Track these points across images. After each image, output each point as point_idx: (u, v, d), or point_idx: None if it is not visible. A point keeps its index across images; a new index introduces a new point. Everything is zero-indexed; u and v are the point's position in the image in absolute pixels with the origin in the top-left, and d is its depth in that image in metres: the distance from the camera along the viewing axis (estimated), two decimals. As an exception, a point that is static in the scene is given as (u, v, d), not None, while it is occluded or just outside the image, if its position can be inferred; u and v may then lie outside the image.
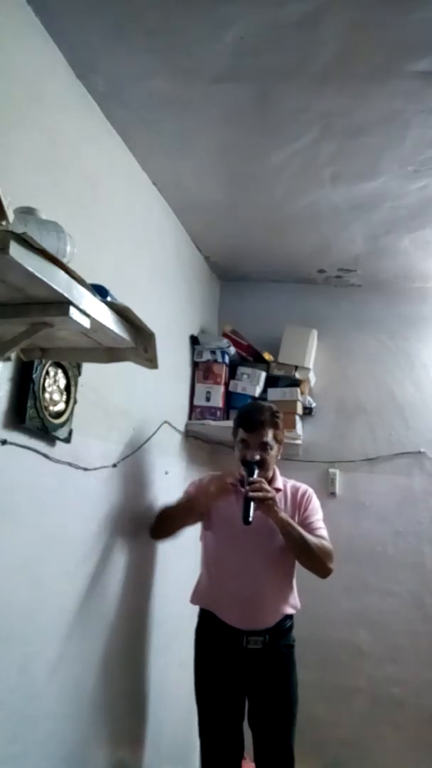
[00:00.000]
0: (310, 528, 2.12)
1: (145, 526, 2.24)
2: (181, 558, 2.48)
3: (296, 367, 2.99)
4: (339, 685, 2.75)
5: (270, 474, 2.19)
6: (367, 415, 3.06)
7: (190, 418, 2.79)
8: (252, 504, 1.95)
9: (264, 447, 2.12)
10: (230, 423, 2.76)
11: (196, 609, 2.26)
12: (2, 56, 1.41)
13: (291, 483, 2.28)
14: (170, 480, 2.51)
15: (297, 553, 2.10)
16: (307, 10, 1.46)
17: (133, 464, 2.15)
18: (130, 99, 1.84)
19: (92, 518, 1.88)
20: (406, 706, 2.74)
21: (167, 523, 2.21)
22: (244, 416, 2.21)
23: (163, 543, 2.31)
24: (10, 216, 0.97)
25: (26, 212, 1.18)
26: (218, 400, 2.82)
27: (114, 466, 2.00)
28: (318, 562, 2.07)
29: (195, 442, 2.84)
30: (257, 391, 2.91)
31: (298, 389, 2.95)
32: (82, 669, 1.80)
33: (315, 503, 2.23)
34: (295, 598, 2.20)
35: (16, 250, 0.89)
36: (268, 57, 1.63)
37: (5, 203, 0.93)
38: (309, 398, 3.05)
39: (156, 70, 1.71)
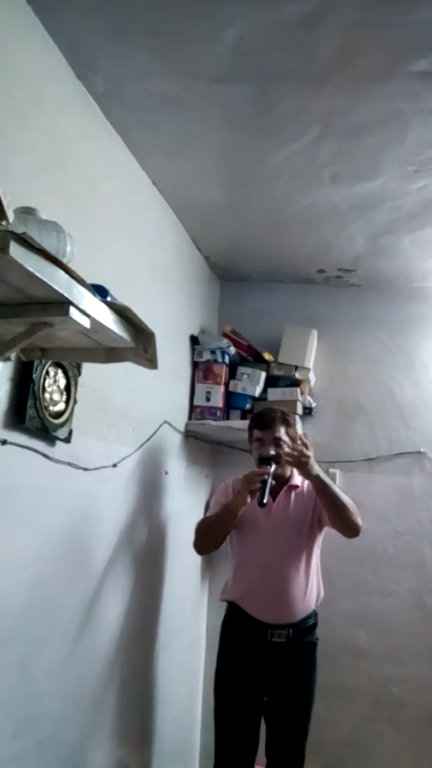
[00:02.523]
0: None
1: (146, 526, 2.24)
2: (182, 557, 2.48)
3: (296, 367, 2.99)
4: (339, 685, 2.75)
5: (288, 472, 2.27)
6: (367, 415, 3.06)
7: (190, 418, 2.79)
8: (268, 487, 2.02)
9: (278, 443, 2.20)
10: (231, 423, 2.78)
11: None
12: (2, 56, 1.41)
13: (308, 481, 2.31)
14: (170, 480, 2.51)
15: (331, 508, 2.13)
16: (307, 10, 1.46)
17: (133, 464, 2.15)
18: (130, 99, 1.84)
19: (92, 518, 1.88)
20: (406, 706, 2.74)
21: (215, 534, 2.24)
22: (256, 417, 2.32)
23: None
24: (10, 216, 0.97)
25: (26, 212, 1.18)
26: (218, 400, 2.82)
27: (114, 466, 2.00)
28: (350, 517, 2.12)
29: (195, 442, 2.84)
30: (257, 391, 2.91)
31: (298, 389, 2.95)
32: (82, 669, 1.80)
33: None
34: (320, 591, 2.25)
35: (16, 250, 0.89)
36: (268, 57, 1.62)
37: (5, 203, 0.93)
38: (309, 398, 3.05)
39: (156, 70, 1.71)
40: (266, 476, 2.05)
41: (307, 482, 2.29)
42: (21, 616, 1.51)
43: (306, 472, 2.08)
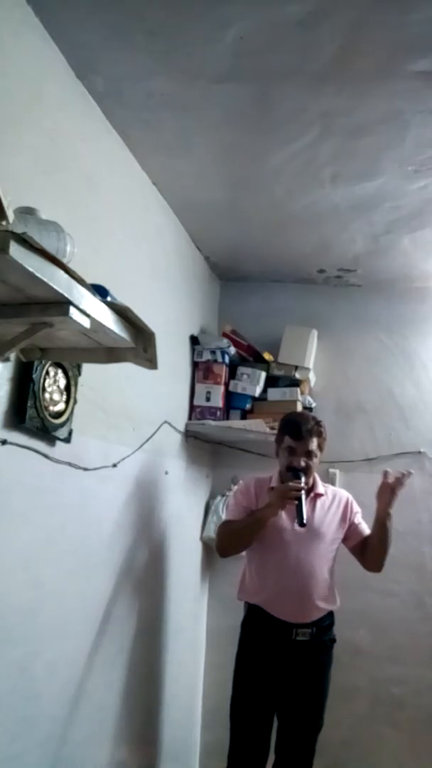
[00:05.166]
0: (363, 528, 2.32)
1: (146, 525, 2.24)
2: (182, 557, 2.48)
3: (296, 367, 2.99)
4: (339, 685, 2.73)
5: (311, 481, 2.29)
6: (367, 415, 3.06)
7: (190, 418, 2.79)
8: (305, 506, 2.08)
9: (309, 455, 2.23)
10: (230, 423, 2.78)
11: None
12: (2, 56, 1.41)
13: (331, 488, 2.40)
14: (170, 480, 2.51)
15: (380, 545, 2.26)
16: (307, 10, 1.46)
17: (133, 464, 2.15)
18: (130, 99, 1.84)
19: (92, 518, 1.88)
20: (406, 706, 2.74)
21: (242, 541, 2.25)
22: (291, 425, 2.29)
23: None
24: (10, 216, 0.97)
25: (26, 212, 1.18)
26: (218, 400, 2.82)
27: (114, 466, 2.00)
28: (386, 555, 2.27)
29: (195, 442, 2.84)
30: (257, 391, 2.91)
31: (298, 389, 2.95)
32: (82, 669, 1.80)
33: (357, 507, 2.39)
34: (335, 595, 2.30)
35: (16, 250, 0.89)
36: (268, 57, 1.62)
37: (5, 203, 0.93)
38: (309, 398, 3.04)
39: (156, 70, 1.71)
40: (301, 494, 2.09)
41: (330, 490, 2.37)
42: (21, 616, 1.51)
43: (388, 516, 2.22)
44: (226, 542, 2.28)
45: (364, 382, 3.10)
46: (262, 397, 2.93)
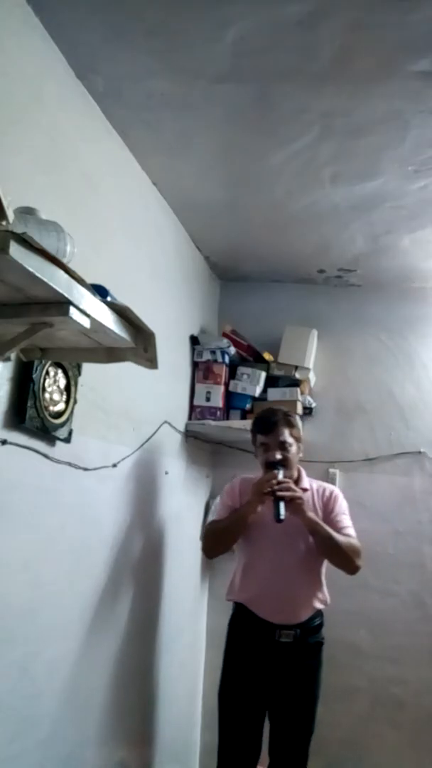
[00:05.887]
0: (338, 527, 2.18)
1: (146, 525, 2.24)
2: (182, 557, 2.48)
3: (296, 367, 2.99)
4: (339, 685, 2.75)
5: (295, 474, 2.25)
6: (367, 415, 3.06)
7: (190, 418, 2.79)
8: (282, 503, 2.01)
9: (283, 446, 2.19)
10: (231, 423, 2.78)
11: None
12: (2, 56, 1.41)
13: (318, 483, 2.35)
14: (170, 480, 2.51)
15: (325, 550, 2.15)
16: (307, 10, 1.46)
17: (133, 464, 2.15)
18: (130, 99, 1.84)
19: (92, 518, 1.88)
20: (406, 706, 2.74)
21: (224, 541, 2.24)
22: (258, 421, 2.29)
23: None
24: (10, 216, 0.97)
25: (26, 212, 1.18)
26: (218, 400, 2.82)
27: (114, 466, 2.00)
28: (346, 559, 2.13)
29: (195, 442, 2.84)
30: (257, 391, 2.91)
31: (298, 389, 2.95)
32: (82, 669, 1.80)
33: (342, 503, 2.29)
34: (324, 594, 2.24)
35: (16, 250, 0.89)
36: (268, 57, 1.62)
37: (5, 203, 0.93)
38: (309, 398, 3.05)
39: (156, 70, 1.70)
40: (277, 492, 2.03)
41: (316, 485, 2.32)
42: (21, 616, 1.51)
43: (301, 513, 2.08)
44: (210, 542, 2.26)
45: (364, 382, 3.10)
46: (262, 397, 2.93)
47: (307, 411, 3.05)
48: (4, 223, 0.93)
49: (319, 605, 2.21)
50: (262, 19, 1.50)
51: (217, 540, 2.24)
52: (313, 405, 3.06)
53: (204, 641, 2.92)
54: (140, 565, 2.23)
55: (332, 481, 2.95)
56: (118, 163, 2.07)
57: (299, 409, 2.94)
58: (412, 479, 2.96)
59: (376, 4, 1.43)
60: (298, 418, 2.27)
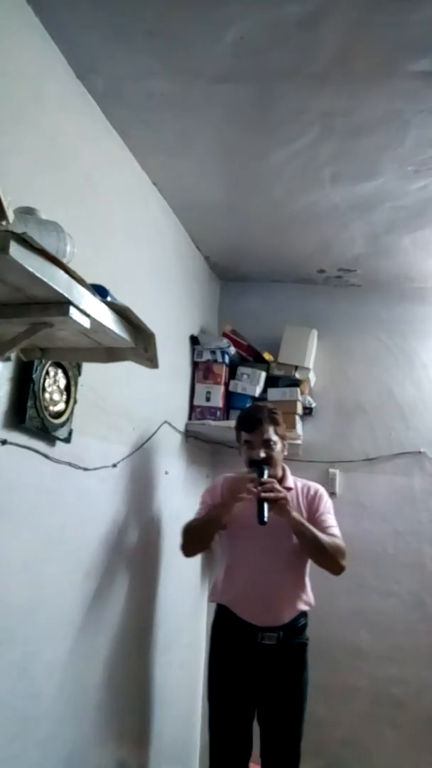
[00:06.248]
0: (322, 526, 2.15)
1: (146, 526, 2.24)
2: (182, 557, 2.48)
3: (296, 367, 2.99)
4: (339, 685, 2.75)
5: (280, 473, 2.23)
6: (367, 415, 3.06)
7: (190, 418, 2.79)
8: (266, 504, 1.98)
9: (267, 444, 2.16)
10: (231, 423, 2.77)
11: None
12: (2, 56, 1.41)
13: (302, 482, 2.31)
14: (170, 480, 2.51)
15: (310, 551, 2.12)
16: (307, 10, 1.46)
17: (133, 464, 2.15)
18: (130, 99, 1.84)
19: (92, 518, 1.88)
20: (406, 706, 2.74)
21: (199, 538, 2.21)
22: (242, 418, 2.27)
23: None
24: (10, 216, 0.97)
25: (26, 212, 1.18)
26: (218, 400, 2.82)
27: (114, 466, 2.00)
28: (330, 560, 2.10)
29: (195, 442, 2.84)
30: (257, 391, 2.91)
31: (298, 389, 2.95)
32: (82, 669, 1.80)
33: (327, 502, 2.26)
34: (308, 595, 2.22)
35: (16, 250, 0.89)
36: (268, 57, 1.62)
37: (5, 203, 0.93)
38: (309, 398, 3.05)
39: (156, 70, 1.71)
40: (261, 494, 1.99)
41: (300, 484, 2.28)
42: (21, 616, 1.51)
43: (286, 514, 2.04)
44: (185, 540, 2.22)
45: (364, 382, 3.10)
46: (262, 397, 2.93)
47: (307, 411, 3.05)
48: (4, 223, 0.93)
49: (303, 607, 2.19)
50: (262, 19, 1.50)
51: (192, 539, 2.21)
52: (313, 405, 3.06)
53: (204, 641, 2.91)
54: (140, 565, 2.23)
55: (332, 482, 2.96)
56: (118, 163, 2.07)
57: (299, 409, 2.95)
58: (412, 479, 2.96)
59: (376, 4, 1.43)
60: (280, 414, 2.24)
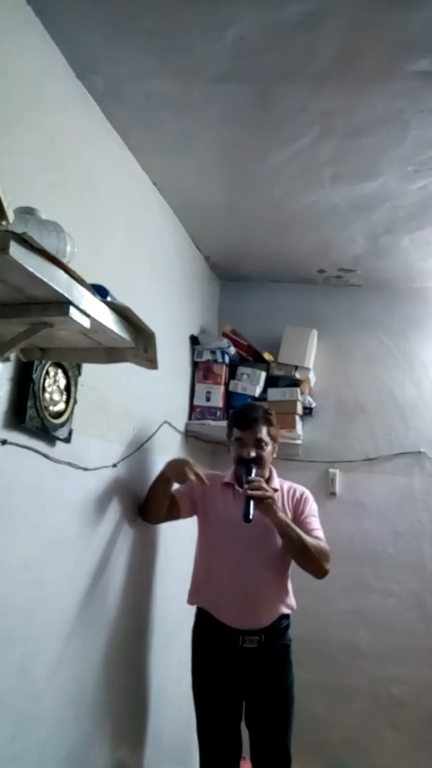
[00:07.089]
0: (307, 529, 2.13)
1: (145, 525, 2.24)
2: (182, 557, 2.48)
3: (296, 367, 2.99)
4: (339, 685, 2.75)
5: (267, 473, 2.21)
6: (367, 415, 3.06)
7: (190, 418, 2.79)
8: (252, 502, 1.95)
9: (259, 444, 2.15)
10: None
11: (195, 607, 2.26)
12: (2, 56, 1.41)
13: (288, 484, 2.29)
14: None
15: (294, 553, 2.10)
16: (307, 10, 1.46)
17: (133, 464, 2.15)
18: (130, 99, 1.84)
19: (92, 518, 1.88)
20: (406, 706, 2.74)
21: (147, 502, 2.18)
22: (237, 416, 2.25)
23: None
24: (10, 216, 0.97)
25: (26, 212, 1.18)
26: (218, 400, 2.82)
27: (114, 466, 2.00)
28: (315, 563, 2.08)
29: (195, 442, 2.84)
30: (257, 391, 2.91)
31: (298, 389, 2.95)
32: (82, 669, 1.80)
33: (312, 505, 2.24)
34: (290, 598, 2.20)
35: (16, 250, 0.89)
36: (268, 57, 1.63)
37: (5, 203, 0.93)
38: (309, 398, 3.05)
39: (156, 70, 1.71)
40: (248, 491, 1.97)
41: (286, 486, 2.27)
42: (21, 616, 1.51)
43: (272, 513, 2.02)
44: (142, 502, 2.19)
45: (364, 382, 3.11)
46: (262, 397, 2.93)
47: (307, 411, 3.05)
48: (4, 223, 0.93)
49: (285, 610, 2.16)
50: (262, 19, 1.50)
51: (145, 500, 2.18)
52: (313, 405, 3.06)
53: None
54: (140, 565, 2.23)
55: (332, 482, 2.96)
56: (118, 163, 2.07)
57: (299, 409, 2.95)
58: (412, 479, 2.96)
59: (376, 4, 1.43)
60: (275, 416, 2.23)
